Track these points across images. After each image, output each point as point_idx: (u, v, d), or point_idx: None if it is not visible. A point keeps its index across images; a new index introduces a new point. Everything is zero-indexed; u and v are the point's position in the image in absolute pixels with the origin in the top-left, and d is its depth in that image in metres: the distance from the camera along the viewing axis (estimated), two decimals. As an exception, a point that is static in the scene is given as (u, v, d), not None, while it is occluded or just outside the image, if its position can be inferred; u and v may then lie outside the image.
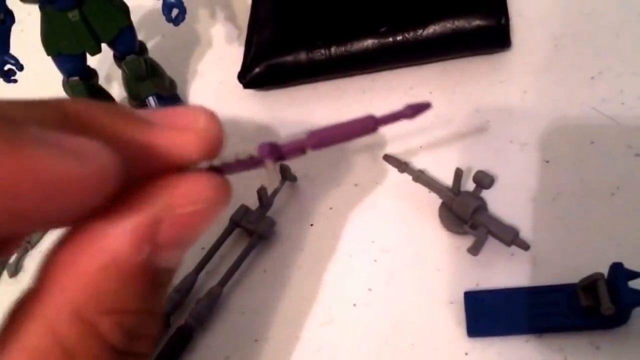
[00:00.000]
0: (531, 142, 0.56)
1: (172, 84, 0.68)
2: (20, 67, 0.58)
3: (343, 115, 0.60)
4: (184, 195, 0.21)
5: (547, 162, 0.54)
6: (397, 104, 0.60)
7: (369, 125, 0.27)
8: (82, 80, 0.62)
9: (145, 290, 0.20)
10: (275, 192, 0.58)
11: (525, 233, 0.52)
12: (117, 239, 0.19)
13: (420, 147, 0.58)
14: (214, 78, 0.71)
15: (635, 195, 0.51)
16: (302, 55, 0.63)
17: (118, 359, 0.20)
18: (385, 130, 0.59)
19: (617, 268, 0.44)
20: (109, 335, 0.20)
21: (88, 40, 0.58)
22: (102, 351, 0.20)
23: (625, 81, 0.56)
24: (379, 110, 0.61)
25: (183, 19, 0.62)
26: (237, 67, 0.67)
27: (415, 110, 0.29)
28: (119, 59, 0.63)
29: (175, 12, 0.61)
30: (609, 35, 0.59)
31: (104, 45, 0.61)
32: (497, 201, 0.54)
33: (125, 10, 0.60)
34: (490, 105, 0.59)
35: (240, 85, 0.67)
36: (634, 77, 0.56)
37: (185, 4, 0.63)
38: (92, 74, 0.64)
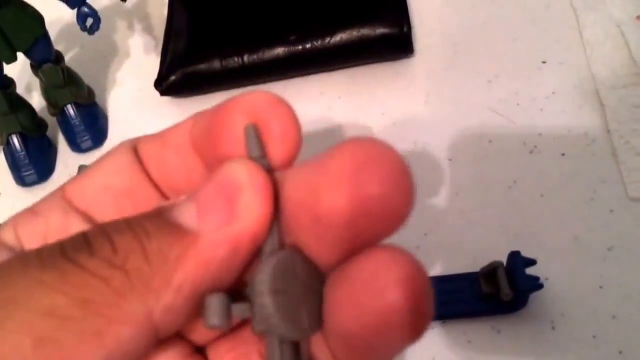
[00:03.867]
0: (434, 143, 0.56)
1: (91, 93, 0.66)
2: None
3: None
4: None
5: (450, 160, 0.54)
6: (308, 110, 0.60)
7: None
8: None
9: None
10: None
11: (430, 227, 0.51)
12: None
13: (331, 148, 0.57)
14: (133, 86, 0.69)
15: (530, 188, 0.51)
16: (217, 64, 0.62)
17: None
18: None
19: (515, 256, 0.44)
20: None
21: (3, 49, 0.56)
22: None
23: (520, 84, 0.57)
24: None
25: (98, 28, 0.60)
26: (155, 76, 0.65)
27: None
28: (36, 68, 0.61)
29: (90, 21, 0.59)
30: (504, 41, 0.60)
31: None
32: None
33: (40, 19, 0.58)
34: (396, 109, 0.59)
35: (158, 93, 0.65)
36: (528, 80, 0.57)
37: (104, 16, 0.61)
38: (10, 83, 0.61)
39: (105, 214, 0.22)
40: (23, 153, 0.63)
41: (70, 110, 0.64)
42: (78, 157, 0.64)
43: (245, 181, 0.19)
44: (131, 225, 0.19)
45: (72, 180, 0.23)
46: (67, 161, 0.65)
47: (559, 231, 0.49)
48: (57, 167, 0.65)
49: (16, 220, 0.22)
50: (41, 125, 0.65)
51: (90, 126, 0.64)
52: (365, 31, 0.59)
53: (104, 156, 0.23)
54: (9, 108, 0.60)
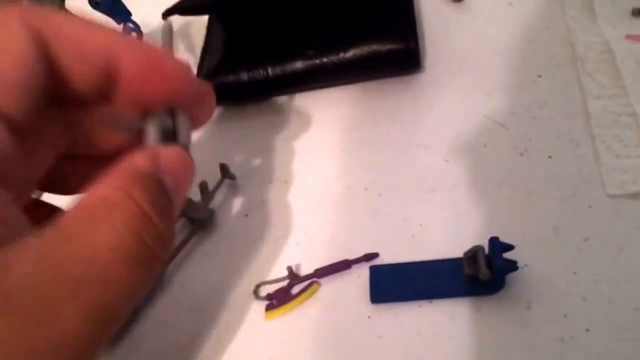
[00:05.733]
0: (434, 145, 0.61)
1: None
2: None
3: (276, 128, 0.66)
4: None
5: (447, 161, 0.60)
6: (324, 116, 0.66)
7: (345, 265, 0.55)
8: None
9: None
10: (216, 187, 0.64)
11: (425, 219, 0.57)
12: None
13: (342, 150, 0.64)
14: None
15: (517, 186, 0.56)
16: (244, 75, 0.69)
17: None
18: (312, 139, 0.65)
19: (493, 241, 0.49)
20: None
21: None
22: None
23: (516, 94, 0.62)
24: (307, 126, 0.67)
25: None
26: (191, 88, 0.72)
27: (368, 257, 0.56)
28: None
29: (133, 36, 0.67)
30: (505, 58, 0.66)
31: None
32: (402, 195, 0.59)
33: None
34: (402, 116, 0.65)
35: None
36: (524, 91, 0.62)
37: (152, 37, 0.69)
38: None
39: None
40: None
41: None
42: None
43: None
44: None
45: None
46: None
47: (541, 223, 0.54)
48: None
49: None
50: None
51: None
52: (376, 47, 0.65)
53: None
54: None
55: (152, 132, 0.32)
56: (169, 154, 0.31)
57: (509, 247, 0.50)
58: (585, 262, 0.51)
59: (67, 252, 0.25)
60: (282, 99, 0.71)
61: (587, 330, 0.48)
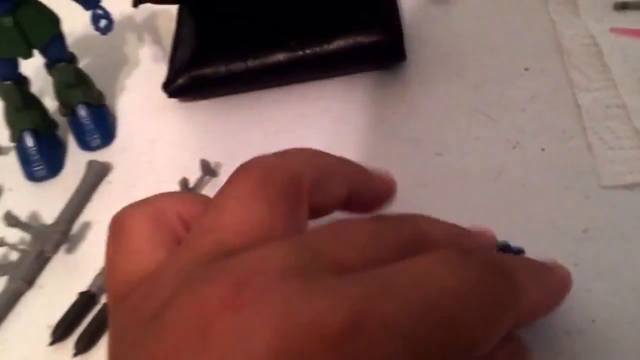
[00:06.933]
0: (424, 140, 0.60)
1: (101, 95, 0.70)
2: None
3: (258, 123, 0.63)
4: None
5: (439, 154, 0.59)
6: (307, 112, 0.64)
7: None
8: (15, 84, 0.64)
9: None
10: (197, 184, 0.61)
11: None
12: None
13: (327, 147, 0.62)
14: (140, 93, 0.74)
15: (512, 180, 0.56)
16: (222, 68, 0.67)
17: None
18: (295, 135, 0.63)
19: (504, 248, 0.48)
20: None
21: (20, 45, 0.61)
22: None
23: (504, 88, 0.62)
24: (291, 121, 0.64)
25: (111, 28, 0.65)
26: (161, 83, 0.70)
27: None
28: (49, 66, 0.66)
29: (103, 22, 0.64)
30: (490, 51, 0.65)
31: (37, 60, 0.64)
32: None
33: (56, 20, 0.63)
34: (390, 111, 0.63)
35: (164, 99, 0.69)
36: (511, 85, 0.62)
37: (116, 29, 0.66)
38: (25, 80, 0.66)
39: None
40: (34, 149, 0.67)
41: (81, 110, 0.68)
42: (87, 154, 0.69)
43: None
44: None
45: None
46: (76, 158, 0.69)
47: (538, 216, 0.53)
48: (67, 164, 0.69)
49: None
50: (52, 124, 0.69)
51: (100, 125, 0.69)
52: (360, 38, 0.64)
53: None
54: (23, 104, 0.65)
55: None
56: None
57: (520, 252, 0.49)
58: (585, 254, 0.51)
59: None
60: (263, 93, 0.69)
61: (593, 321, 0.48)
